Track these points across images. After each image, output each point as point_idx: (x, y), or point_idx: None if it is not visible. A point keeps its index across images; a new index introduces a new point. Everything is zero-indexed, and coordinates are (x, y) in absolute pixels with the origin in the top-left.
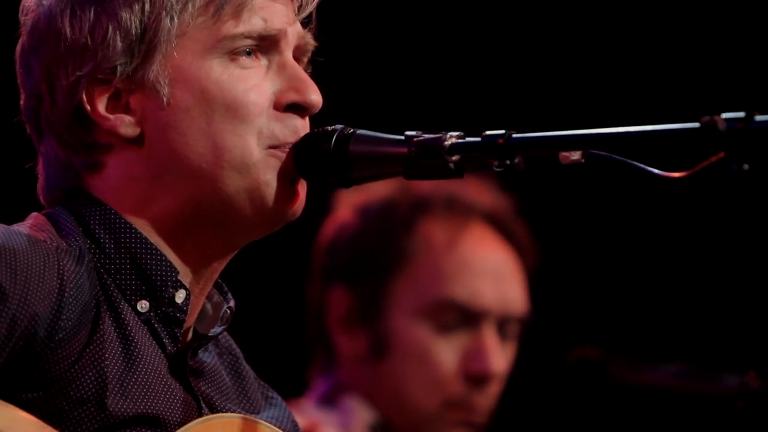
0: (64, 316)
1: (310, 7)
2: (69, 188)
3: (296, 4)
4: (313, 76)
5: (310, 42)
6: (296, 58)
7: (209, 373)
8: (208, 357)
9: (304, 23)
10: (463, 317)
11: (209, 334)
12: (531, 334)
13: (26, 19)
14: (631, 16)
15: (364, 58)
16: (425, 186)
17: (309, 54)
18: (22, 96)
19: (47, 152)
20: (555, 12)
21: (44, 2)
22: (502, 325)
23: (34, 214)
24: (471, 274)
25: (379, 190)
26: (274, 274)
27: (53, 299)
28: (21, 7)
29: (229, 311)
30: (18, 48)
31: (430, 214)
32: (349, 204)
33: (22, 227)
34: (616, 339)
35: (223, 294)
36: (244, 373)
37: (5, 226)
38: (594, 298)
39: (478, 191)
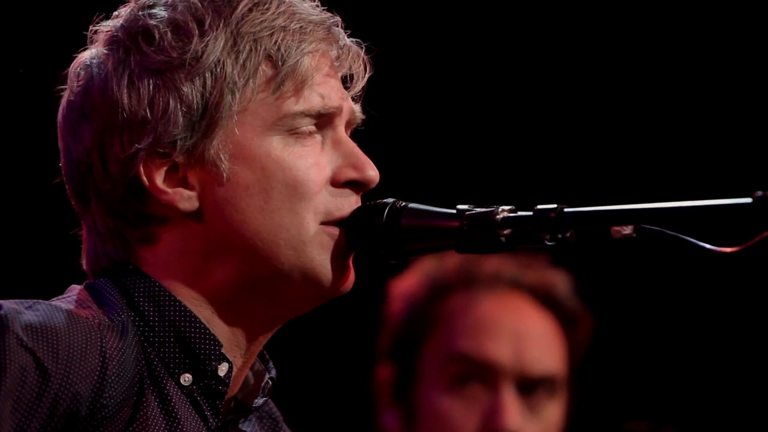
0: (107, 394)
1: (362, 83)
2: (118, 259)
3: (348, 78)
4: (366, 149)
5: (359, 116)
6: None
7: None
8: (248, 426)
9: (354, 96)
10: (472, 371)
11: (252, 406)
12: (581, 407)
13: (76, 85)
14: (682, 92)
15: (415, 131)
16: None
17: (354, 126)
18: (65, 158)
19: (95, 220)
20: (604, 87)
21: (94, 69)
22: (525, 384)
23: (74, 287)
24: (481, 330)
25: (421, 269)
26: (330, 348)
27: (95, 377)
28: (69, 72)
29: (270, 382)
30: (62, 111)
31: (457, 289)
32: (400, 286)
33: (64, 303)
34: (666, 412)
35: (264, 363)
36: None
37: (47, 303)
38: (644, 370)
39: (503, 261)
